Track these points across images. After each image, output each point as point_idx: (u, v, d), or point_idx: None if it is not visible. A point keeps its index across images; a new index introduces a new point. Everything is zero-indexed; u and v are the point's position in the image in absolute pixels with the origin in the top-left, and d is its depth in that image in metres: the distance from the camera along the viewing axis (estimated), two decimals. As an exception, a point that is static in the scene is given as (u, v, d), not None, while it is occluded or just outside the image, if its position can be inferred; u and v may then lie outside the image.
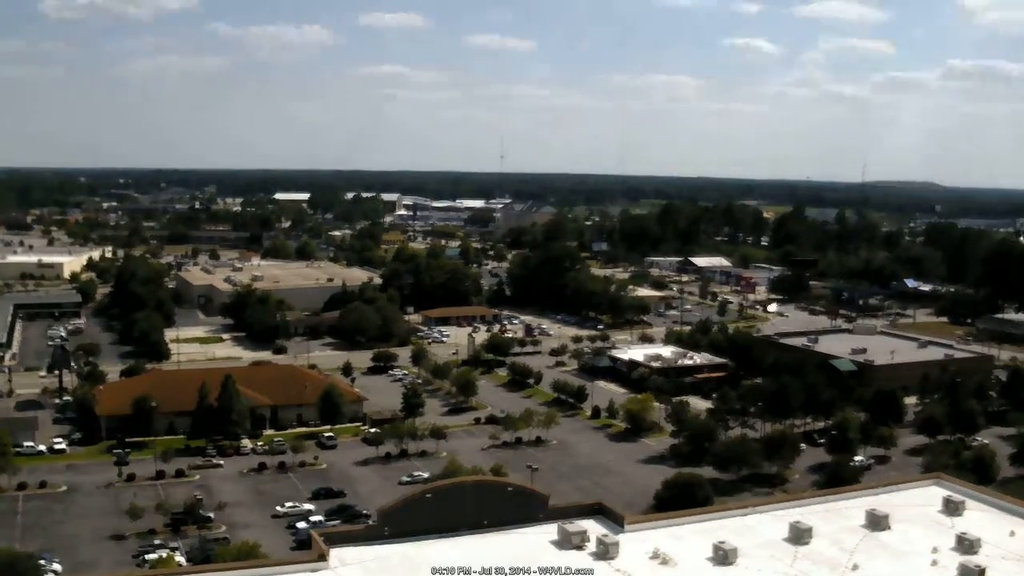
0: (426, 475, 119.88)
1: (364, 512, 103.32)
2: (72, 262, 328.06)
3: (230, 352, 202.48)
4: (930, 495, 69.87)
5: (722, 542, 57.56)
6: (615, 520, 62.71)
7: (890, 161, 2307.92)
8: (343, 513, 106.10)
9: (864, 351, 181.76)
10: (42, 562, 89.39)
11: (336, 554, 55.95)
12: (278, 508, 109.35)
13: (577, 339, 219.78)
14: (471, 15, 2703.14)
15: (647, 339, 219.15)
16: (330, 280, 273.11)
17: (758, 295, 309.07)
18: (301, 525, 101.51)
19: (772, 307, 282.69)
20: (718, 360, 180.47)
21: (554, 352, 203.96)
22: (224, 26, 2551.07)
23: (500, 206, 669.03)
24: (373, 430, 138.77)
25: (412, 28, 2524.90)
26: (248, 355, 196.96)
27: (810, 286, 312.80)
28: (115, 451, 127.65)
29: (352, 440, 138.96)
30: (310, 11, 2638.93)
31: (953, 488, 71.32)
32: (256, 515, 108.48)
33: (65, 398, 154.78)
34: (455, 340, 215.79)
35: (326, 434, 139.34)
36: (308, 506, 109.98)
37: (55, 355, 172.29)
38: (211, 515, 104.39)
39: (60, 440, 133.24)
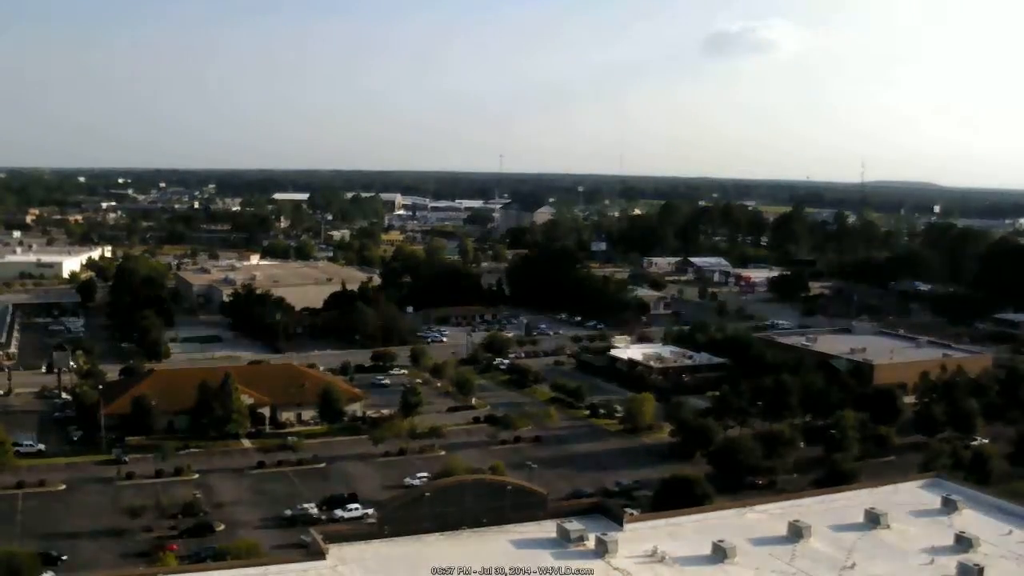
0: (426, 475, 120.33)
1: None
2: (71, 262, 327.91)
3: (229, 351, 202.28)
4: (928, 494, 70.14)
5: (721, 540, 57.73)
6: (614, 519, 62.89)
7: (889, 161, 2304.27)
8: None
9: (863, 350, 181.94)
10: (53, 553, 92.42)
11: (335, 552, 56.06)
12: (286, 512, 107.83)
13: (576, 338, 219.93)
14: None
15: (646, 338, 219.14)
16: (329, 280, 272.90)
17: (757, 294, 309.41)
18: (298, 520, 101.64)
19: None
20: (717, 359, 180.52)
21: (553, 351, 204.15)
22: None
23: (499, 206, 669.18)
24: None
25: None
26: (247, 354, 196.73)
27: (809, 286, 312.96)
28: (114, 449, 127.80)
29: (350, 439, 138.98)
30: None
31: (951, 487, 71.58)
32: (256, 514, 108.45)
33: (64, 396, 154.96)
34: (454, 339, 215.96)
35: (325, 432, 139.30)
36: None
37: (54, 354, 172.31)
38: (214, 525, 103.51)
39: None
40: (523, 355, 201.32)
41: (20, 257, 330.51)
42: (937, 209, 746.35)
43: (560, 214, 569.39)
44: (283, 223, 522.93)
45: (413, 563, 54.74)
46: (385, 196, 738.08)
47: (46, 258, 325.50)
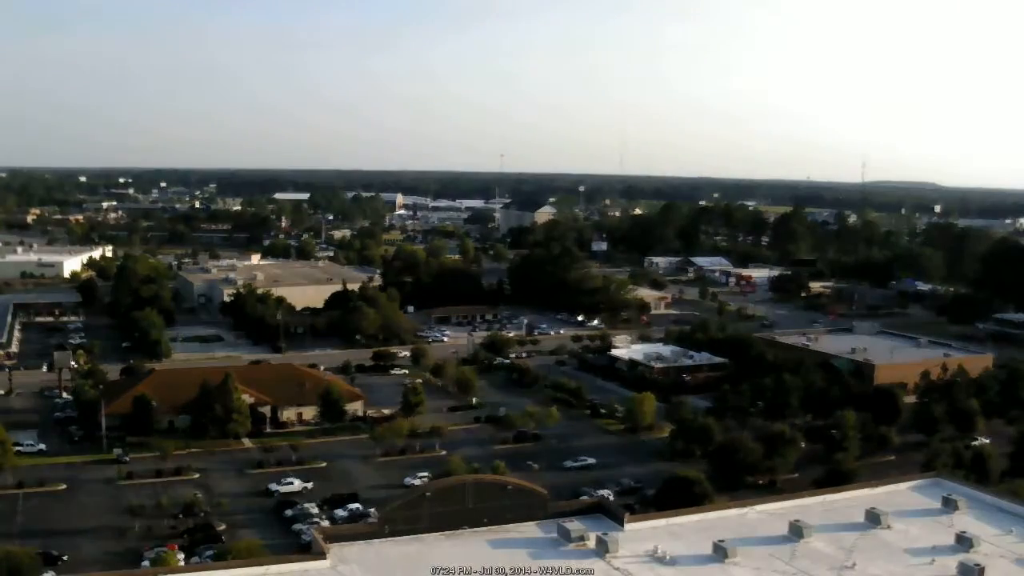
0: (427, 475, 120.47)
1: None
2: (72, 261, 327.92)
3: (229, 351, 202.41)
4: (929, 493, 70.07)
5: (721, 540, 57.68)
6: (615, 518, 62.84)
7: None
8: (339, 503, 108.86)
9: (864, 350, 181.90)
10: (53, 553, 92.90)
11: (336, 552, 56.02)
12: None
13: (576, 338, 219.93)
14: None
15: (646, 338, 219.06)
16: (330, 279, 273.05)
17: (757, 293, 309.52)
18: (300, 525, 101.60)
19: None
20: (717, 359, 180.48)
21: (553, 351, 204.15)
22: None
23: (499, 206, 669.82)
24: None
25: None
26: (247, 354, 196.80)
27: (809, 286, 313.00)
28: (115, 449, 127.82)
29: (350, 439, 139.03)
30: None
31: (952, 487, 71.52)
32: (256, 513, 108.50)
33: (65, 396, 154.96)
34: (455, 339, 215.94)
35: (325, 432, 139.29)
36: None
37: (55, 354, 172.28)
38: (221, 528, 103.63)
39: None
40: (524, 355, 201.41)
41: (21, 257, 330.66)
42: (937, 209, 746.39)
43: (561, 214, 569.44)
44: (284, 223, 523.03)
45: (413, 563, 54.70)
46: (385, 196, 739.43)
47: (47, 258, 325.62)
